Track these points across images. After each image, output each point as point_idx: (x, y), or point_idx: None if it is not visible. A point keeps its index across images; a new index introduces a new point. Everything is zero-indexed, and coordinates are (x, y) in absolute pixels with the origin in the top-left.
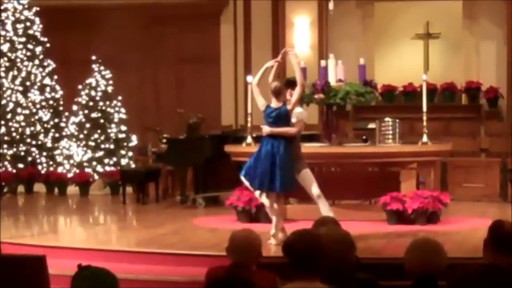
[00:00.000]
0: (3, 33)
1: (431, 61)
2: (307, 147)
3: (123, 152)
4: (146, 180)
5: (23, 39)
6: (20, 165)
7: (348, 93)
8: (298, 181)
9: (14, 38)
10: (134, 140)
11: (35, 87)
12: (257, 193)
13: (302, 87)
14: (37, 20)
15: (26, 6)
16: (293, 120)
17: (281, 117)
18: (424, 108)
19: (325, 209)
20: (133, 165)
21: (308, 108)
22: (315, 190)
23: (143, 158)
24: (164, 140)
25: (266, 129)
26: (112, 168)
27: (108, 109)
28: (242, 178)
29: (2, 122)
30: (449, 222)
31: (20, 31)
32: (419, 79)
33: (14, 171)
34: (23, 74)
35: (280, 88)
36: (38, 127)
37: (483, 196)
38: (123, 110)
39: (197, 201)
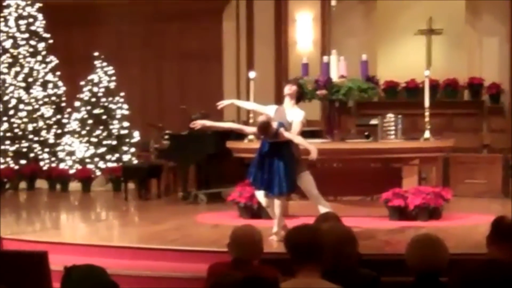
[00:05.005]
0: (5, 29)
1: (433, 57)
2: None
3: (125, 148)
4: (148, 176)
5: (25, 35)
6: (22, 161)
7: (351, 89)
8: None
9: (17, 34)
10: (137, 136)
11: (38, 83)
12: (256, 192)
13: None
14: (40, 16)
15: (28, 2)
16: (289, 119)
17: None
18: (427, 104)
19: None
20: (135, 161)
21: (311, 104)
22: (314, 193)
23: (145, 154)
24: (167, 136)
25: (314, 154)
26: (114, 164)
27: (111, 105)
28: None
29: (5, 118)
30: (451, 218)
31: (23, 27)
32: (422, 75)
33: (16, 167)
34: (26, 70)
35: (264, 125)
36: (41, 123)
37: (485, 192)
38: (125, 106)
39: (199, 197)
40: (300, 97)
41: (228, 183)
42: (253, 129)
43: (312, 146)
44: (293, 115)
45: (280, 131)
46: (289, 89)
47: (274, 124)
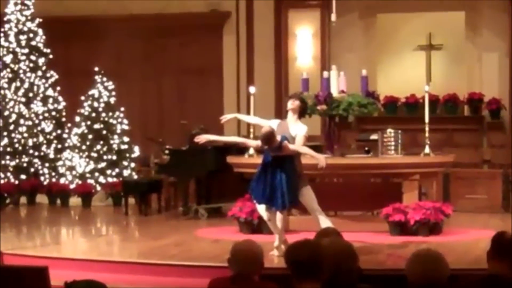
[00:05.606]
0: (6, 44)
1: (433, 72)
2: (310, 158)
3: (125, 163)
4: (149, 191)
5: (26, 51)
6: (23, 176)
7: (351, 104)
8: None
9: (17, 49)
10: (137, 151)
11: (38, 98)
12: (257, 206)
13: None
14: (40, 31)
15: (29, 18)
16: (292, 134)
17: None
18: (427, 119)
19: (327, 225)
20: (135, 176)
21: (311, 119)
22: (315, 207)
23: (145, 169)
24: (167, 151)
25: (322, 163)
26: (115, 179)
27: (111, 120)
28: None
29: (5, 133)
30: (452, 233)
31: (23, 42)
32: (422, 90)
33: (17, 182)
34: (26, 85)
35: (268, 135)
36: (41, 138)
37: (486, 207)
38: (125, 121)
39: (200, 212)
40: (303, 112)
41: (228, 198)
42: (257, 142)
43: (319, 155)
44: (296, 130)
45: (284, 143)
46: (291, 103)
47: (278, 137)
